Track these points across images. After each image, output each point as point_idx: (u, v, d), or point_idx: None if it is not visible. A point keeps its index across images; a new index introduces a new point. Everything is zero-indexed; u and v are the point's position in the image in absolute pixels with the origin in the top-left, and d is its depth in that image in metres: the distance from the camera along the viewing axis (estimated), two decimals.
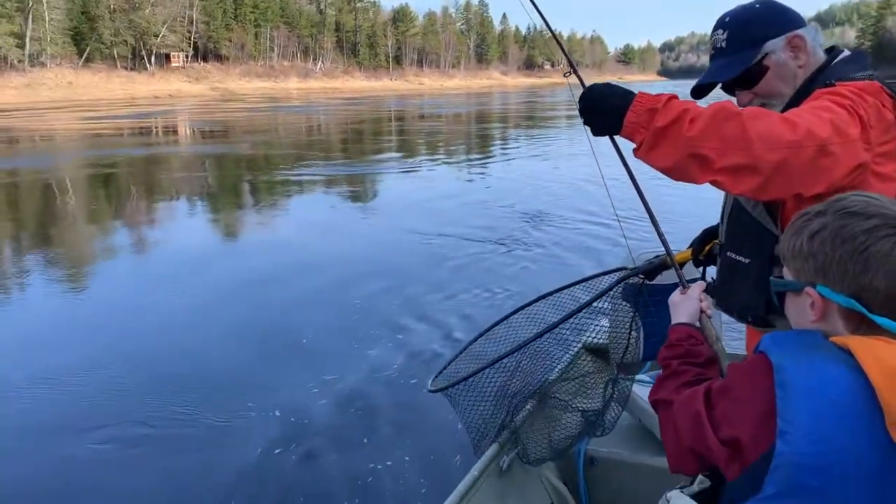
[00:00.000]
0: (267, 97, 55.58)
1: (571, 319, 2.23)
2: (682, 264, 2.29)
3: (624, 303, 2.34)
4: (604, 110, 1.48)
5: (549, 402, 2.62)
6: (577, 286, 2.53)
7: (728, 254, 1.76)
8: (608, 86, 1.52)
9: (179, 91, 60.47)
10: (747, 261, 1.68)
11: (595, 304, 2.23)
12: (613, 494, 2.56)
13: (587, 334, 2.73)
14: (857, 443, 0.94)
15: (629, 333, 2.36)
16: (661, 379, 1.34)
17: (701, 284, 1.56)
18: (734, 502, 1.01)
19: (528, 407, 2.50)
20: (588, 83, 1.60)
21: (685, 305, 1.50)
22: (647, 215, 1.72)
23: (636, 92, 1.47)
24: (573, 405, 2.61)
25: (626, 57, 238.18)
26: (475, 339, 2.60)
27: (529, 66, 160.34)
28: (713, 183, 1.43)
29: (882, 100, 1.49)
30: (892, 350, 0.97)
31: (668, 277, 2.57)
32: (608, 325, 2.49)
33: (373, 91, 70.35)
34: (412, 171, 16.62)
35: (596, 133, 1.54)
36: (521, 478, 2.39)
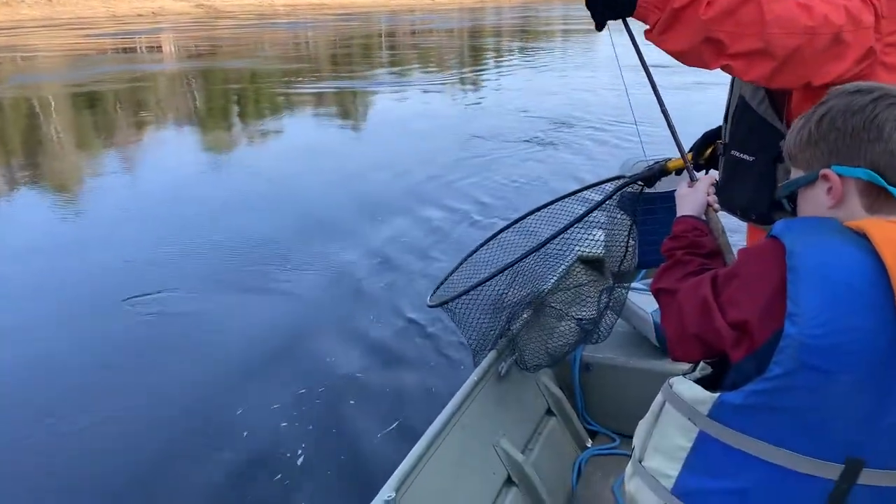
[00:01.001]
0: (255, 14, 53.76)
1: (567, 232, 2.25)
2: (681, 170, 2.30)
3: (620, 212, 2.35)
4: None
5: (545, 311, 2.66)
6: (571, 197, 2.54)
7: (732, 153, 1.76)
8: None
9: (163, 8, 58.24)
10: (752, 158, 1.68)
11: (591, 215, 2.25)
12: (608, 398, 2.65)
13: (581, 246, 2.75)
14: (865, 325, 0.95)
15: (627, 242, 2.38)
16: (664, 268, 1.33)
17: (710, 177, 1.55)
18: (737, 385, 1.03)
19: (524, 316, 2.54)
20: None
21: (692, 198, 1.49)
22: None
23: None
24: (569, 314, 2.66)
25: None
26: (471, 255, 2.63)
27: None
28: (724, 68, 1.41)
29: None
30: None
31: (664, 185, 2.58)
32: (602, 236, 2.52)
33: (362, 6, 67.99)
34: (423, 83, 16.61)
35: (600, 19, 1.48)
36: (518, 383, 2.47)
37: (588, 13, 1.51)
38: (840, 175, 1.05)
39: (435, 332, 4.45)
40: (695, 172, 1.64)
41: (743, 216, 1.76)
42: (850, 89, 1.05)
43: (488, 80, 16.97)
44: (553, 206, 2.57)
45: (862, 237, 0.98)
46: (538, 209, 2.59)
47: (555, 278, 2.81)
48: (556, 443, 2.48)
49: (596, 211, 2.25)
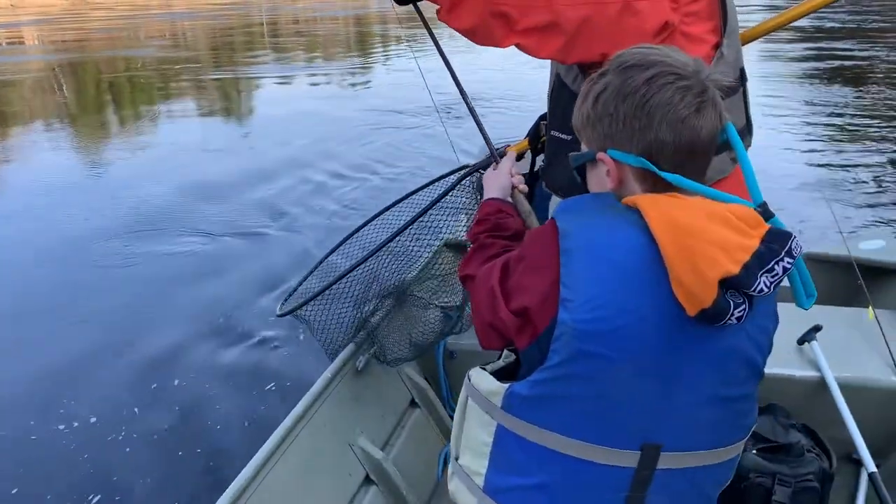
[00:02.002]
0: (129, 4, 50.80)
1: (428, 219, 2.20)
2: (521, 155, 2.29)
3: (478, 196, 2.32)
4: None
5: (408, 300, 2.60)
6: (429, 187, 2.49)
7: (552, 132, 1.74)
8: None
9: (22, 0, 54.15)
10: (569, 137, 1.66)
11: (453, 200, 2.21)
12: None
13: (446, 232, 2.72)
14: (640, 305, 0.91)
15: None
16: (469, 254, 1.29)
17: (511, 158, 1.54)
18: (525, 375, 0.99)
19: (385, 306, 2.47)
20: None
21: (495, 180, 1.46)
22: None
23: None
24: (433, 302, 2.60)
25: None
26: (325, 258, 2.52)
27: None
28: (519, 47, 1.38)
29: None
30: (680, 203, 0.93)
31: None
32: (465, 220, 2.48)
33: None
34: (309, 69, 16.33)
35: (399, 1, 1.45)
36: (378, 376, 2.39)
37: None
38: (615, 160, 1.01)
39: None
40: (496, 154, 1.63)
41: (565, 196, 1.75)
42: (627, 61, 1.00)
43: (376, 63, 16.93)
44: (413, 198, 2.51)
45: (636, 213, 0.94)
46: (396, 202, 2.53)
47: (419, 267, 2.75)
48: (421, 435, 2.43)
49: (459, 196, 2.22)
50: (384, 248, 2.16)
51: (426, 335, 2.49)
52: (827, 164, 7.17)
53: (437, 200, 2.11)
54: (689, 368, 0.95)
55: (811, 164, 7.16)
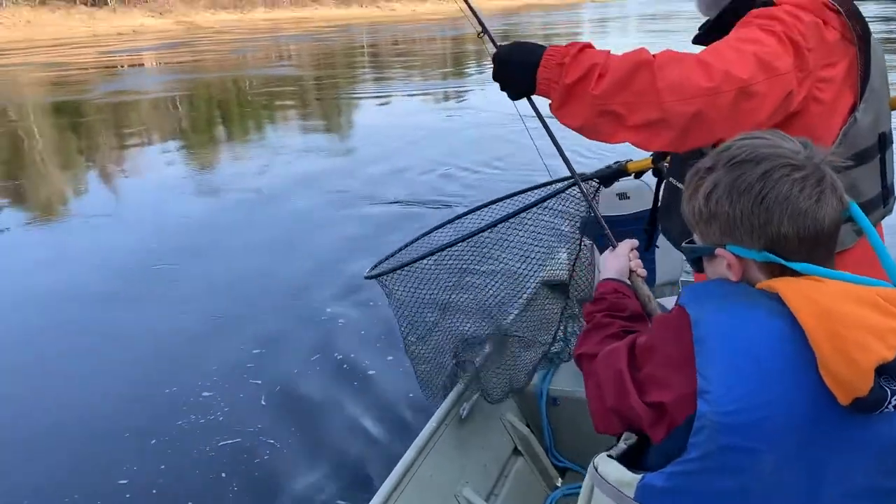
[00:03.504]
0: (237, 28, 53.44)
1: (529, 254, 2.11)
2: (640, 172, 2.20)
3: (583, 238, 2.23)
4: (515, 71, 1.37)
5: (509, 340, 2.54)
6: (533, 191, 2.40)
7: (670, 179, 1.70)
8: (517, 44, 1.41)
9: (143, 26, 57.42)
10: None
11: (553, 221, 2.10)
12: (576, 432, 2.51)
13: (546, 269, 2.63)
14: (785, 395, 0.87)
15: (593, 269, 2.29)
16: (585, 332, 1.27)
17: (631, 242, 1.48)
18: (660, 464, 0.95)
19: (486, 349, 2.41)
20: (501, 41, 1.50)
21: (613, 261, 1.44)
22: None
23: (546, 46, 1.37)
24: (536, 340, 2.53)
25: None
26: (421, 237, 2.45)
27: None
28: (630, 142, 1.33)
29: (824, 17, 1.35)
30: (823, 288, 0.90)
31: (626, 207, 2.45)
32: (566, 258, 2.40)
33: (345, 19, 67.81)
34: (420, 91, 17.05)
35: (513, 97, 1.44)
36: (482, 424, 2.34)
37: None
38: (736, 255, 0.98)
39: None
40: (613, 238, 1.57)
41: (676, 245, 1.68)
42: (737, 157, 0.97)
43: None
44: (514, 199, 2.41)
45: (774, 298, 0.90)
46: (500, 199, 2.41)
47: (519, 305, 2.67)
48: (524, 484, 2.35)
49: (563, 204, 2.12)
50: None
51: (526, 368, 2.43)
52: None
53: (543, 200, 2.02)
54: (839, 459, 0.91)
55: None
